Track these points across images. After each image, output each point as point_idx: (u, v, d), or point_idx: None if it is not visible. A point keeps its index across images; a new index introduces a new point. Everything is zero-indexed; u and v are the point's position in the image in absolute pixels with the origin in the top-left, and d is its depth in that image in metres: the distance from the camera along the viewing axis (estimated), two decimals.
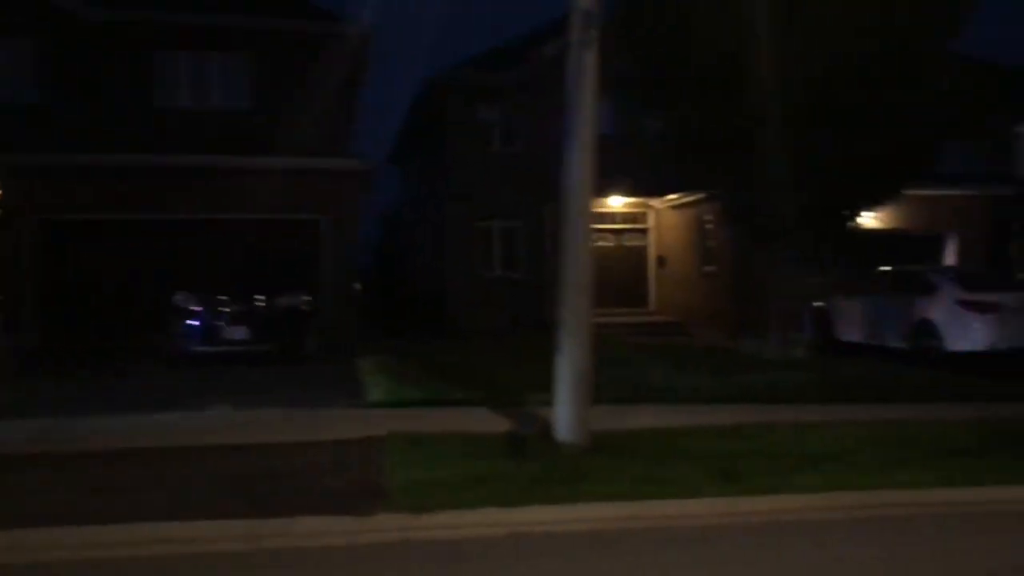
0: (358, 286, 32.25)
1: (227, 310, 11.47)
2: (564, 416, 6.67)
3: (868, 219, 17.27)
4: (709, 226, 17.69)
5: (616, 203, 20.07)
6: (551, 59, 19.35)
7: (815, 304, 15.59)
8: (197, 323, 11.32)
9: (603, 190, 19.57)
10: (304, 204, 15.79)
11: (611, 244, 20.51)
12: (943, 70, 11.57)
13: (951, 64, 12.61)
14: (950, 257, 17.90)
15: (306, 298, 12.30)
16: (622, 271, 20.46)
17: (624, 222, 20.56)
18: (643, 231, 20.66)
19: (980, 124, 19.91)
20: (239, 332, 11.33)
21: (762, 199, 11.80)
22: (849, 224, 12.34)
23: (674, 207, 19.44)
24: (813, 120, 11.04)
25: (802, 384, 10.17)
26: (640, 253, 20.69)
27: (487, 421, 7.69)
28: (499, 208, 20.23)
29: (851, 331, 14.59)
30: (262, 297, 11.83)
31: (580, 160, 6.76)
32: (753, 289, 15.87)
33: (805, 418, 8.00)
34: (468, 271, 20.20)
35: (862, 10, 10.42)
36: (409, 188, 28.41)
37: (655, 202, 19.93)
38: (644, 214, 20.55)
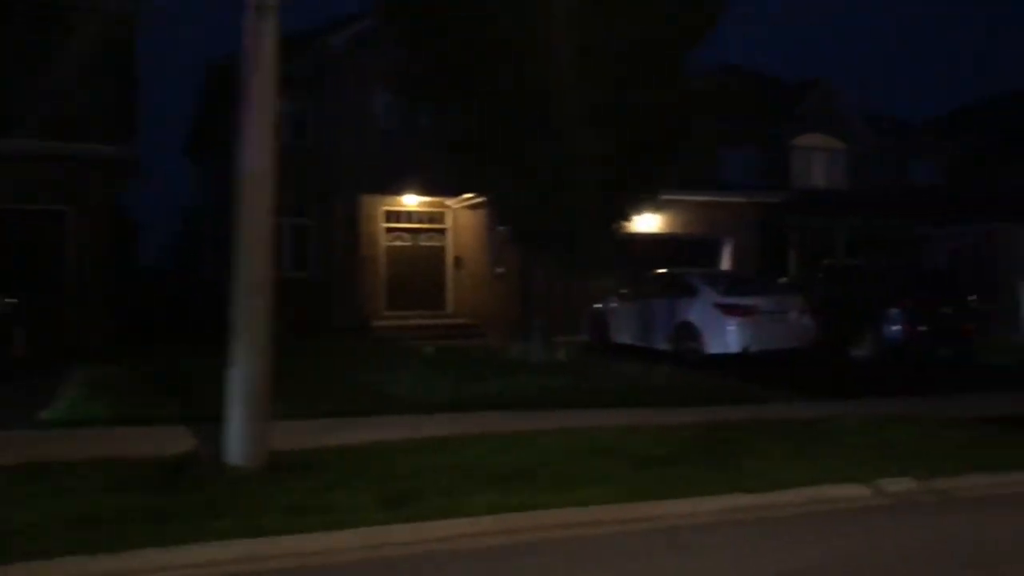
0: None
1: None
2: (235, 436, 5.90)
3: (650, 223, 17.74)
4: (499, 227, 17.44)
5: (411, 202, 19.49)
6: (339, 51, 18.59)
7: (594, 307, 15.69)
8: None
9: (396, 188, 18.97)
10: (43, 194, 14.05)
11: (408, 244, 19.90)
12: (699, 76, 11.74)
13: (714, 73, 12.95)
14: (726, 261, 18.63)
15: (10, 300, 10.74)
16: (420, 272, 19.91)
17: (421, 222, 20.00)
18: (441, 231, 20.18)
19: (750, 132, 20.99)
20: None
21: (524, 200, 11.54)
22: (615, 228, 12.30)
23: (469, 207, 19.08)
24: (569, 120, 10.87)
25: (551, 389, 9.93)
26: (438, 254, 20.20)
27: (170, 442, 6.75)
28: (288, 204, 19.12)
29: (624, 334, 14.73)
30: None
31: (257, 148, 6.02)
32: (538, 291, 15.81)
33: (530, 426, 7.65)
34: None
35: (609, 15, 10.37)
36: (202, 181, 26.56)
37: (451, 202, 19.49)
38: (442, 214, 20.07)
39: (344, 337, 16.78)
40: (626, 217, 12.22)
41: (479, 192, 14.63)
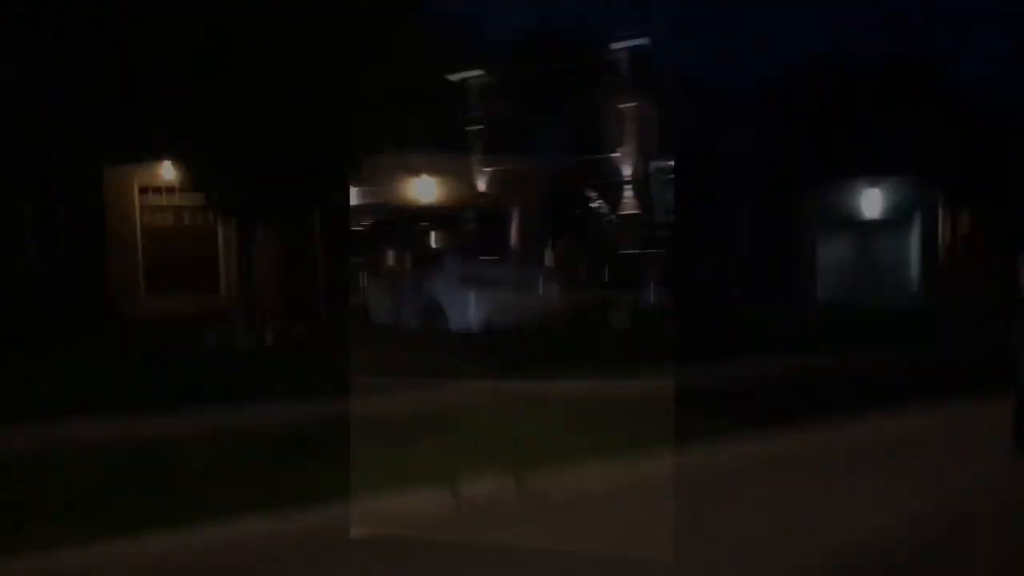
0: None
1: None
2: None
3: (429, 193, 16.39)
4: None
5: (172, 175, 17.32)
6: None
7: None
8: None
9: (153, 159, 16.81)
10: None
11: (169, 222, 17.76)
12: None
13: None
14: (515, 233, 17.48)
15: None
16: (187, 253, 17.80)
17: (186, 197, 17.87)
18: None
19: (558, 97, 19.89)
20: None
21: (215, 162, 9.88)
22: (328, 196, 10.76)
23: None
24: (260, 66, 9.26)
25: (205, 381, 8.25)
26: (209, 232, 18.15)
27: None
28: (33, 176, 16.68)
29: (378, 312, 13.35)
30: None
31: None
32: (301, 269, 14.31)
33: (98, 435, 6.10)
34: None
35: None
36: None
37: None
38: None
39: (87, 326, 14.62)
40: (339, 184, 10.69)
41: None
